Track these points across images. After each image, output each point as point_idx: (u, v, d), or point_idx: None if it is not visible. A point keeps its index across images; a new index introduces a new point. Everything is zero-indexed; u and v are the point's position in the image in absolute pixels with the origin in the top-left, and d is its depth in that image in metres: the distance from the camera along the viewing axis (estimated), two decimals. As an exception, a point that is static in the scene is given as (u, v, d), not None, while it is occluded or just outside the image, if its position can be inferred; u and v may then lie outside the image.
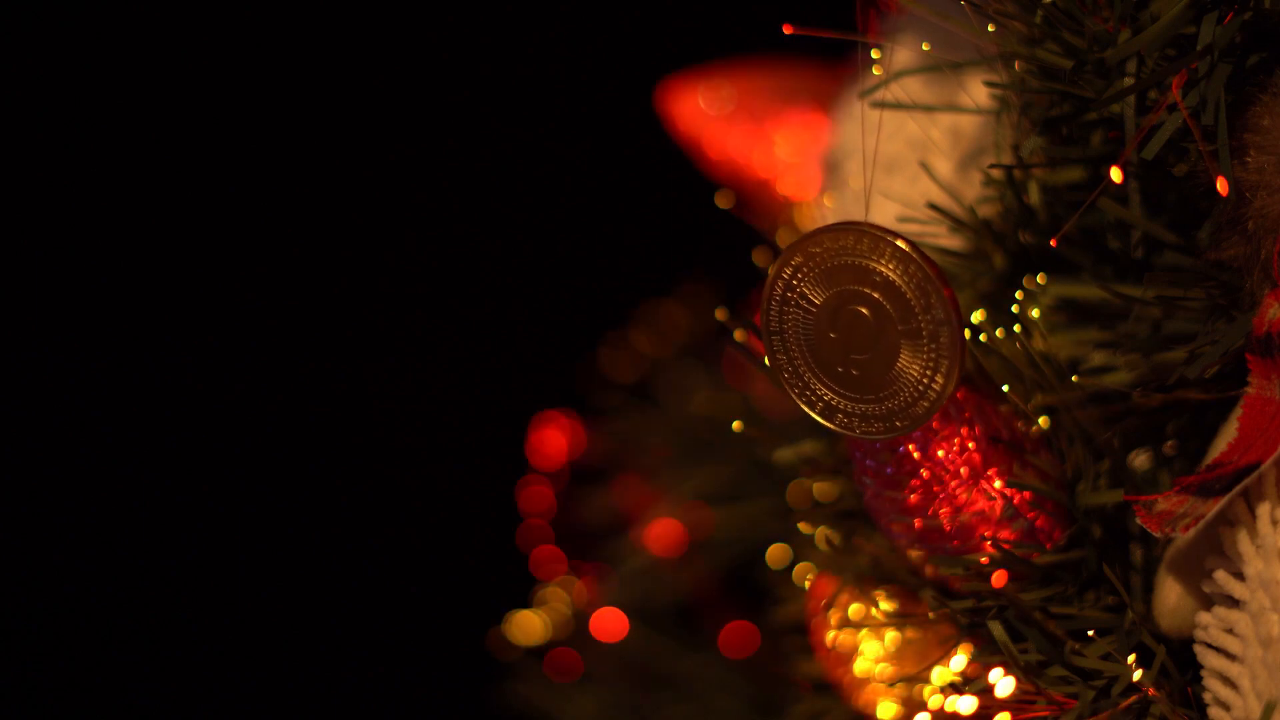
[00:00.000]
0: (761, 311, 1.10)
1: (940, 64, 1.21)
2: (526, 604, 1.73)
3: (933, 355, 1.07)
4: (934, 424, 1.13)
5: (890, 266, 1.07)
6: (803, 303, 1.09)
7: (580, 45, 2.25)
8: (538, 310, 2.30)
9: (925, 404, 1.08)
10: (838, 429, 1.11)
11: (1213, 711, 1.08)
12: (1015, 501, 1.14)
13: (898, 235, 1.07)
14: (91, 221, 2.27)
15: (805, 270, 1.09)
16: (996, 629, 1.12)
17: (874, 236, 1.07)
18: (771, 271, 1.09)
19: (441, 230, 2.31)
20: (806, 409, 1.11)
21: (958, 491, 1.14)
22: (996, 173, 1.18)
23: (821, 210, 1.44)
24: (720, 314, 1.28)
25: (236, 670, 2.27)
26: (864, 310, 1.08)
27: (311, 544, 2.29)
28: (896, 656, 1.26)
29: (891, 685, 1.25)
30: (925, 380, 1.08)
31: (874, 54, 1.18)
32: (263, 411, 2.29)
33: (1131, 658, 1.10)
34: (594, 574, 1.72)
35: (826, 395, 1.10)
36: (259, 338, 2.29)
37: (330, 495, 2.30)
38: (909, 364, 1.08)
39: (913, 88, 1.22)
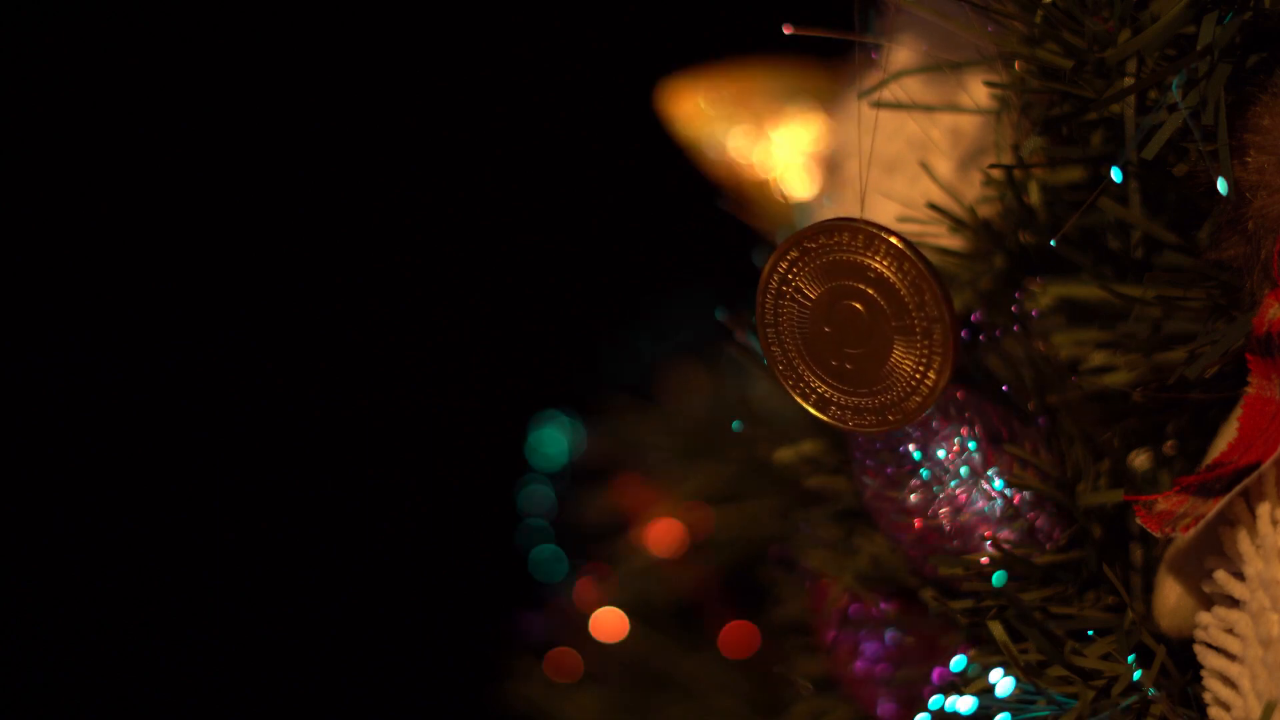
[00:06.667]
0: (757, 304, 1.11)
1: (940, 64, 1.21)
2: (526, 604, 1.73)
3: (925, 351, 1.07)
4: (934, 424, 1.14)
5: (884, 263, 1.07)
6: (798, 297, 1.10)
7: (580, 45, 2.25)
8: (537, 309, 2.30)
9: (918, 399, 1.09)
10: (831, 421, 1.11)
11: (1213, 711, 1.08)
12: (1015, 501, 1.14)
13: (892, 232, 1.07)
14: (91, 222, 2.27)
15: (800, 265, 1.09)
16: (996, 629, 1.12)
17: (868, 233, 1.07)
18: (767, 265, 1.10)
19: (442, 230, 2.31)
20: (800, 400, 1.11)
21: (958, 491, 1.14)
22: (996, 173, 1.18)
23: (821, 210, 1.44)
24: (720, 314, 1.28)
25: (237, 670, 2.27)
26: (858, 305, 1.09)
27: (312, 544, 2.29)
28: (897, 656, 1.26)
29: (891, 685, 1.25)
30: (918, 376, 1.08)
31: (874, 54, 1.18)
32: (263, 411, 2.30)
33: (1131, 658, 1.10)
34: (594, 574, 1.72)
35: (820, 388, 1.11)
36: (259, 338, 2.29)
37: (331, 495, 2.30)
38: (902, 359, 1.08)
39: (913, 88, 1.22)
